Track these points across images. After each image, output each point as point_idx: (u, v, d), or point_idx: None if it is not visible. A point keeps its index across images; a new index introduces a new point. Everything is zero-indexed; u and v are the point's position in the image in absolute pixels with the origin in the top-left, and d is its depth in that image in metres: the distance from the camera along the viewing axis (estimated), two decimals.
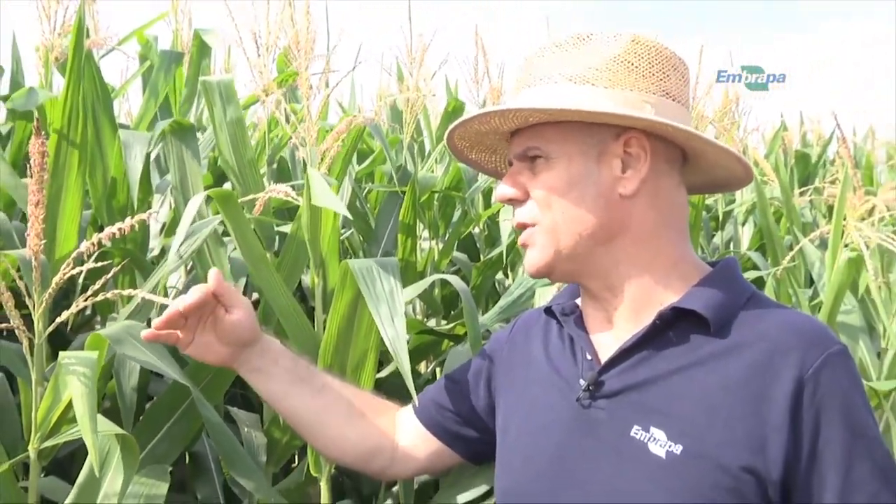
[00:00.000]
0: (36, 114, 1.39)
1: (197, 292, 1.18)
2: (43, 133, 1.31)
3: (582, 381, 1.07)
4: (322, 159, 1.72)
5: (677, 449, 0.96)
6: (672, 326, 1.03)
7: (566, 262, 1.08)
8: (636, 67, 1.05)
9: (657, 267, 1.07)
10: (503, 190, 1.12)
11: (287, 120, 1.75)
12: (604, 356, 1.07)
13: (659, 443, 0.97)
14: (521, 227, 1.12)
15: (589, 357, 1.08)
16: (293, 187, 1.83)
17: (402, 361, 1.29)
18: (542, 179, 1.07)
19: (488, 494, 1.57)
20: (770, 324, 1.01)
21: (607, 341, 1.09)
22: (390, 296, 1.37)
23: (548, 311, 1.20)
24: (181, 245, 1.52)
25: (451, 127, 1.17)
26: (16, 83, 2.48)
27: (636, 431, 1.00)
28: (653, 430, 0.98)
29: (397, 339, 1.32)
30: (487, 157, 1.25)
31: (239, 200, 1.68)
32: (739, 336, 1.00)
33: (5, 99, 2.23)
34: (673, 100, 1.07)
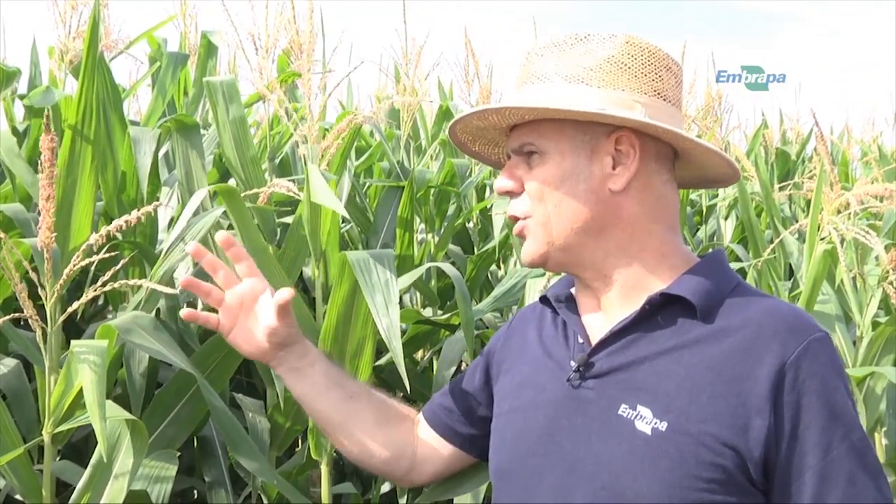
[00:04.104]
0: (46, 111, 1.43)
1: (248, 284, 1.25)
2: (53, 130, 1.33)
3: (573, 363, 1.09)
4: (323, 156, 1.75)
5: (662, 426, 0.99)
6: (660, 311, 1.06)
7: (559, 253, 1.11)
8: (629, 68, 1.08)
9: (646, 258, 1.10)
10: (501, 182, 1.15)
11: (288, 117, 1.80)
12: (595, 339, 1.10)
13: (645, 420, 1.00)
14: (514, 220, 1.15)
15: (581, 340, 1.11)
16: (294, 181, 1.87)
17: (395, 348, 1.32)
18: (537, 173, 1.10)
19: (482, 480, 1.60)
20: (754, 311, 1.03)
21: (599, 326, 1.12)
22: (385, 286, 1.40)
23: (543, 299, 1.23)
24: (182, 235, 1.54)
25: (451, 122, 1.20)
26: (33, 85, 2.51)
27: (623, 410, 1.02)
28: (639, 408, 1.01)
29: (391, 327, 1.35)
30: (490, 150, 1.27)
31: (242, 195, 1.70)
32: (725, 322, 1.03)
33: (23, 97, 2.28)
34: (664, 100, 1.09)
